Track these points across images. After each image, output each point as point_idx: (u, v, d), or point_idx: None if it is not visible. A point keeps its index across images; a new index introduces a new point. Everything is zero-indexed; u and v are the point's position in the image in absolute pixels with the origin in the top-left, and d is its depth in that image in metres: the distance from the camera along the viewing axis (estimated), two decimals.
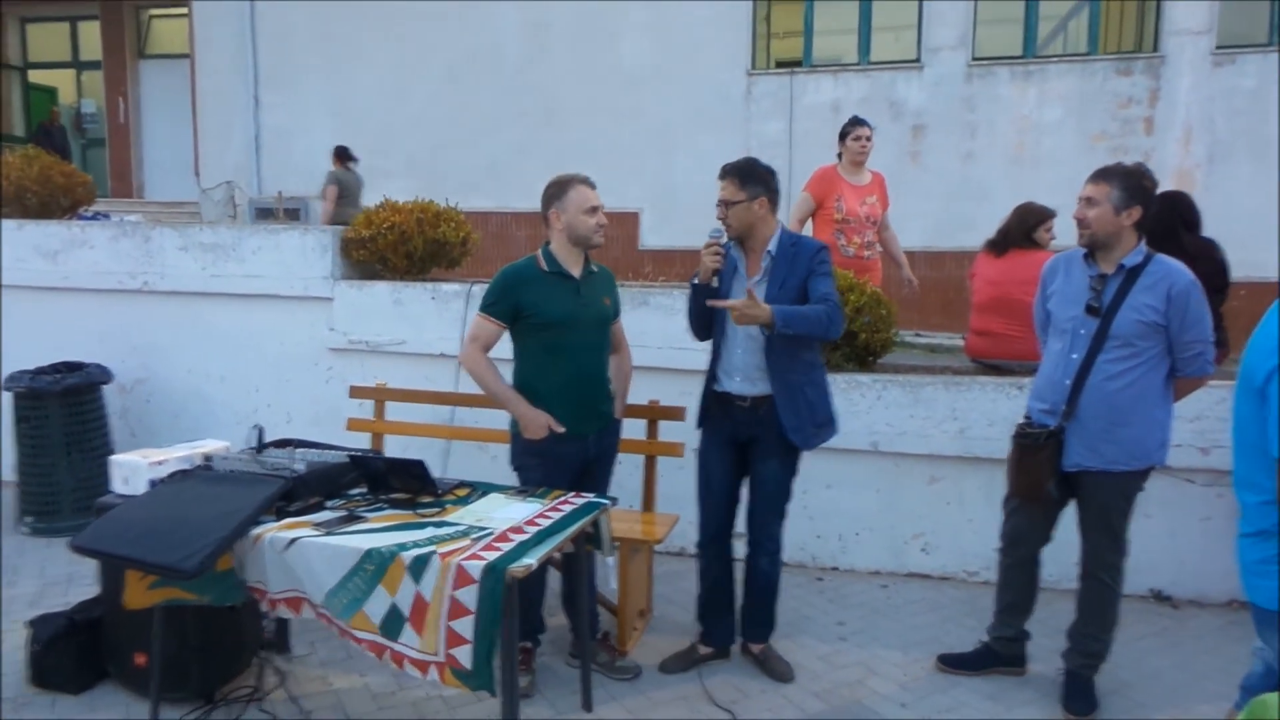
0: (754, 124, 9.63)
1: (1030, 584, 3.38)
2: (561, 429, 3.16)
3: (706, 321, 3.32)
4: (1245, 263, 5.56)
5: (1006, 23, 9.33)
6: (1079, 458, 3.03)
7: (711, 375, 3.34)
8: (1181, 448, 4.01)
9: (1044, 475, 3.05)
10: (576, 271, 3.25)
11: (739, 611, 3.51)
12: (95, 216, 6.52)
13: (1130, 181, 2.94)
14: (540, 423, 3.15)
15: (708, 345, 3.39)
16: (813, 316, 3.07)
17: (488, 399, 3.31)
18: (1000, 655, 3.43)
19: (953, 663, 3.47)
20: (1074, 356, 3.01)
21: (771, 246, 3.21)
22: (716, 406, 3.32)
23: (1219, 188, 8.38)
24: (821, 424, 3.27)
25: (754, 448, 3.30)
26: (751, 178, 3.19)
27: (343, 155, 9.09)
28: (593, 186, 3.24)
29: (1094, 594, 3.19)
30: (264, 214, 10.15)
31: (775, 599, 3.45)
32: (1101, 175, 2.98)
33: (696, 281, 3.20)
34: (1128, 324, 2.92)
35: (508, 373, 3.31)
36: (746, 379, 3.21)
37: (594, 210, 3.19)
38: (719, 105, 9.68)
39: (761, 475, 3.30)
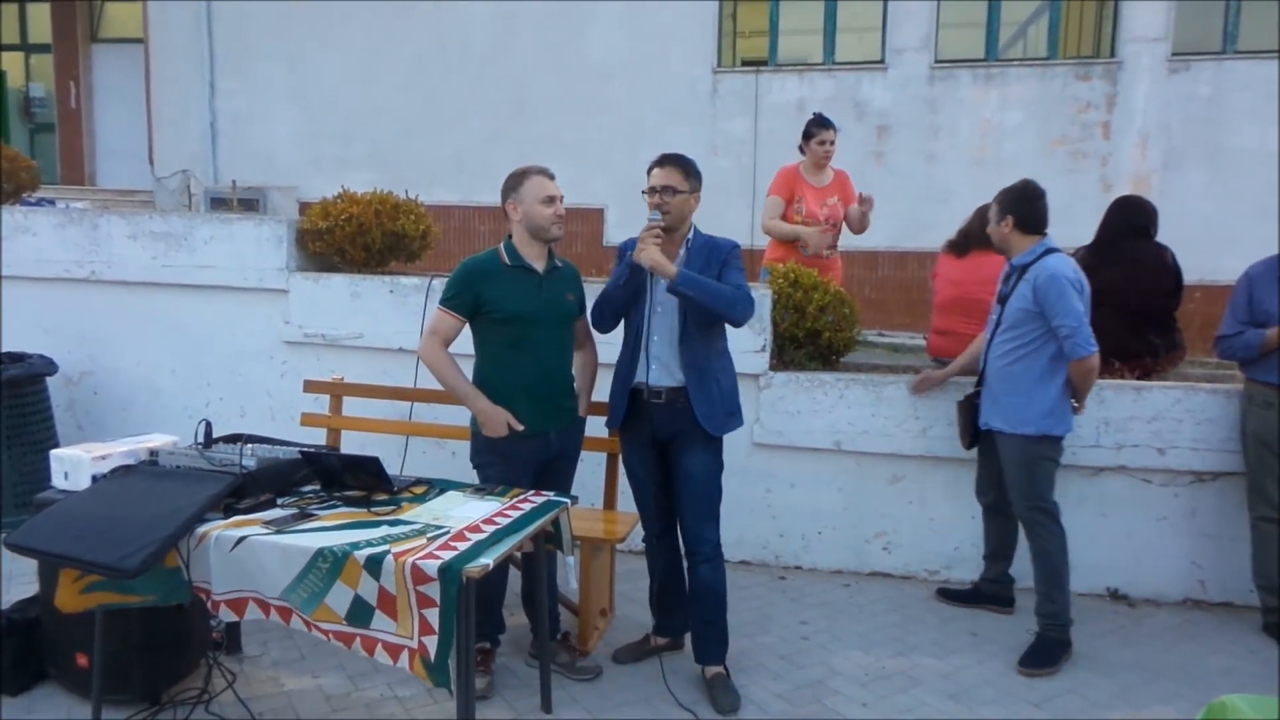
0: (719, 122, 9.61)
1: None
2: (520, 427, 3.10)
3: (623, 310, 3.26)
4: (1199, 267, 5.67)
5: (969, 26, 9.42)
6: None
7: (621, 370, 3.26)
8: (1139, 448, 4.06)
9: None
10: (540, 266, 3.20)
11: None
12: (40, 202, 6.30)
13: None
14: (499, 420, 3.09)
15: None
16: (717, 288, 3.05)
17: (447, 395, 3.24)
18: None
19: None
20: None
21: (689, 238, 3.22)
22: (631, 406, 3.25)
23: (1174, 193, 8.53)
24: (731, 412, 3.23)
25: (674, 444, 3.22)
26: (693, 172, 3.19)
27: None
28: (551, 177, 3.19)
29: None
30: (220, 203, 9.91)
31: (724, 612, 3.25)
32: None
33: (632, 259, 3.12)
34: None
35: (468, 369, 3.25)
36: (663, 369, 3.16)
37: (550, 200, 3.14)
38: (685, 102, 9.65)
39: (686, 471, 3.20)
